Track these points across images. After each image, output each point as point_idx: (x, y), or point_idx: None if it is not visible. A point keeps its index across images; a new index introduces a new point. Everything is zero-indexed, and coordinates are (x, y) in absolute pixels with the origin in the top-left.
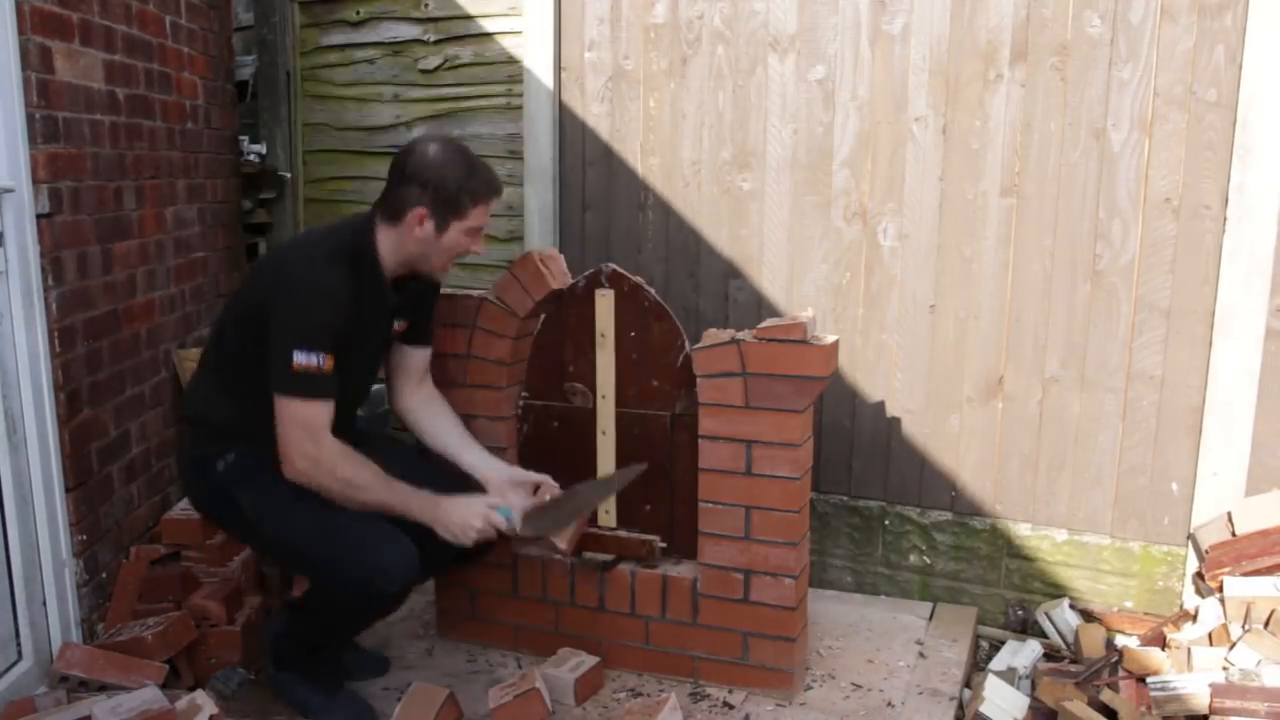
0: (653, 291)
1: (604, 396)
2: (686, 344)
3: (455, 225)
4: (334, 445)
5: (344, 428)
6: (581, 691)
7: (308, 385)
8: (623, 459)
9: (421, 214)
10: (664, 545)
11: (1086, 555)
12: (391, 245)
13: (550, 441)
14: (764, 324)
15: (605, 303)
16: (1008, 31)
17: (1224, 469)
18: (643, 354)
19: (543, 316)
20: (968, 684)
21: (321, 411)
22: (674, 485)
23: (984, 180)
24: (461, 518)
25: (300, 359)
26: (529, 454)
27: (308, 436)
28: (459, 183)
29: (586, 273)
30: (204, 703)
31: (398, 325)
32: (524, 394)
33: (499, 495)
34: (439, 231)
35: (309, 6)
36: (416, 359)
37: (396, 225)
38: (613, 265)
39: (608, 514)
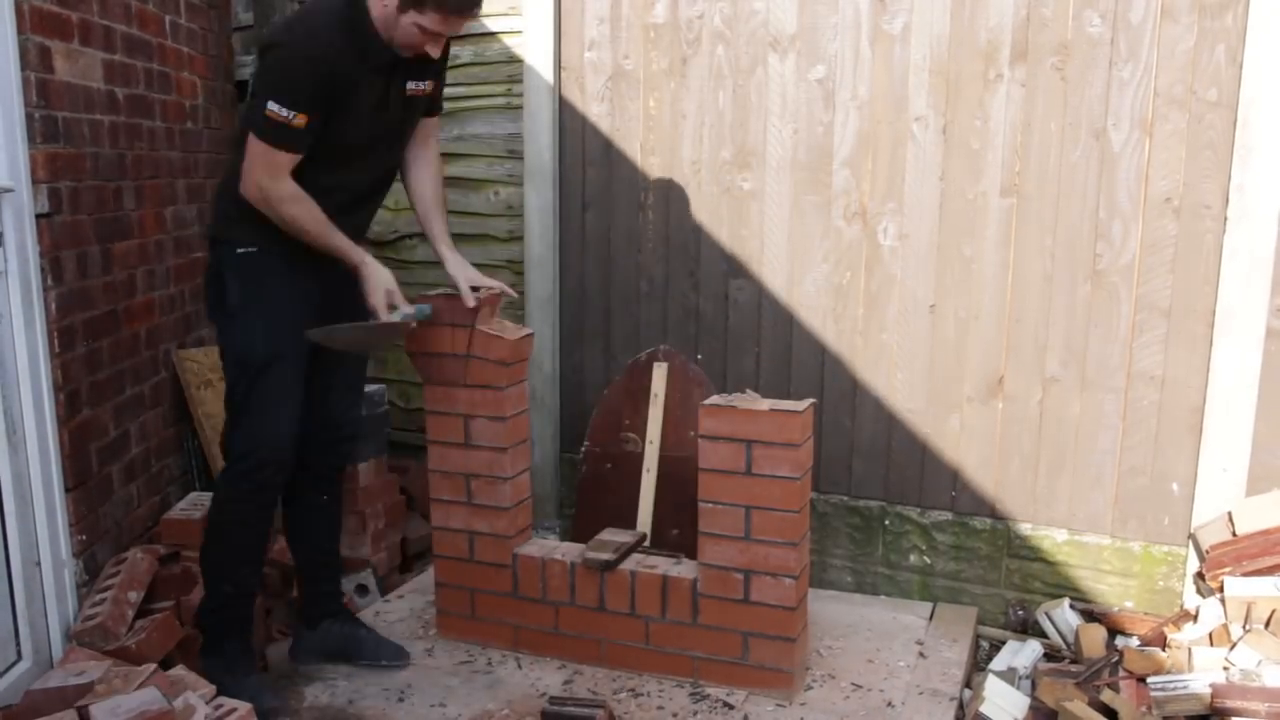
0: (696, 366)
1: (651, 442)
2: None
3: (411, 14)
4: (288, 187)
5: (354, 213)
6: None
7: (276, 133)
8: (661, 492)
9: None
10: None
11: (1087, 555)
12: (376, 10)
13: (604, 477)
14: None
15: (660, 372)
16: (1008, 31)
17: (1224, 469)
18: (684, 412)
19: (612, 382)
20: (968, 684)
21: (284, 158)
22: (699, 514)
23: (984, 180)
24: (382, 278)
25: (273, 108)
26: (586, 487)
27: (267, 172)
28: None
29: (648, 350)
30: (197, 703)
31: (421, 86)
32: (586, 442)
33: (455, 271)
34: (399, 10)
35: None
36: (425, 122)
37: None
38: (667, 345)
39: (644, 537)
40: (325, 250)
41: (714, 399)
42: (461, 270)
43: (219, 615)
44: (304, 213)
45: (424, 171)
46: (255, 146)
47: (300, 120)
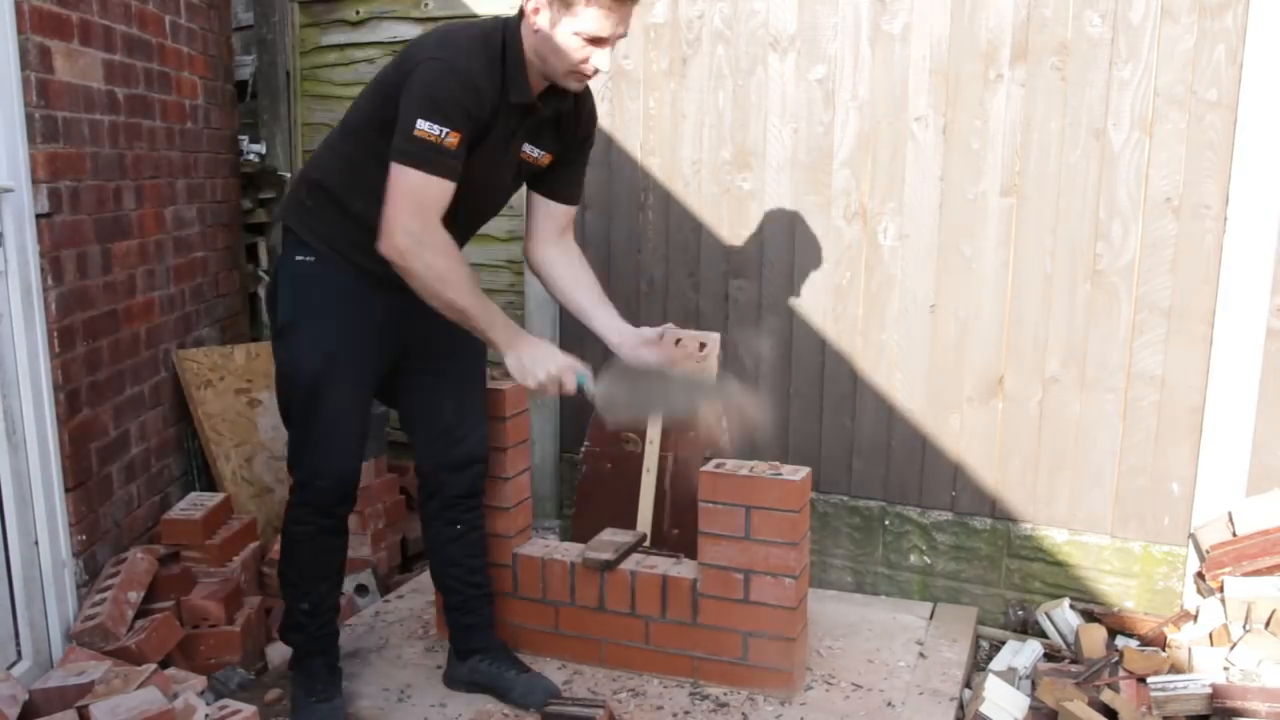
0: None
1: (651, 442)
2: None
3: (566, 22)
4: (440, 233)
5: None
6: None
7: (428, 155)
8: (661, 492)
9: (537, 5)
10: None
11: (1087, 555)
12: (528, 40)
13: (604, 477)
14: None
15: None
16: (1008, 31)
17: (1224, 469)
18: None
19: None
20: (968, 684)
21: (437, 189)
22: (699, 514)
23: (984, 180)
24: (533, 359)
25: (424, 125)
26: (586, 487)
27: (416, 211)
28: None
29: None
30: (197, 703)
31: (536, 153)
32: (586, 442)
33: (632, 355)
34: (551, 25)
35: (309, 6)
36: (556, 211)
37: (524, 17)
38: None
39: (644, 537)
40: (465, 320)
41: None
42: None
43: (299, 633)
44: (454, 267)
45: (574, 261)
46: (403, 179)
47: (454, 141)
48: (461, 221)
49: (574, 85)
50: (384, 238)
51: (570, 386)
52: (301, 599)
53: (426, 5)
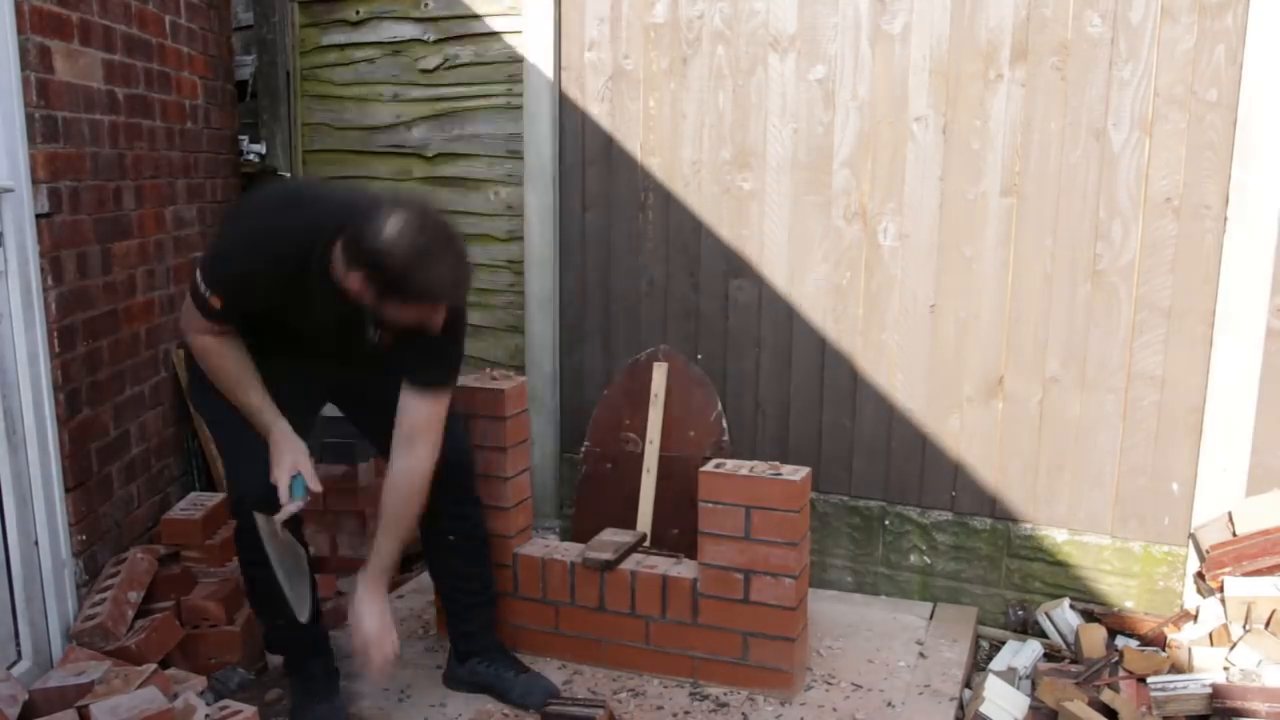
0: (696, 366)
1: (651, 442)
2: (719, 404)
3: (392, 307)
4: (199, 344)
5: (318, 364)
6: None
7: (195, 297)
8: (661, 492)
9: (360, 279)
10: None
11: (1087, 555)
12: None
13: (604, 477)
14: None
15: (660, 371)
16: (1008, 31)
17: (1224, 469)
18: (684, 412)
19: (612, 382)
20: (968, 684)
21: (200, 322)
22: (699, 514)
23: (984, 180)
24: (280, 453)
25: (198, 276)
26: (586, 487)
27: (186, 322)
28: (399, 279)
29: (648, 350)
30: (197, 703)
31: (376, 334)
32: (586, 442)
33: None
34: (378, 300)
35: (309, 6)
36: (407, 400)
37: (343, 266)
38: (667, 345)
39: (644, 537)
40: (240, 409)
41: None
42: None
43: (285, 644)
44: (217, 368)
45: (397, 478)
46: (187, 294)
47: (217, 302)
48: (304, 343)
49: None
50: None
51: (283, 493)
52: (276, 616)
53: (427, 5)
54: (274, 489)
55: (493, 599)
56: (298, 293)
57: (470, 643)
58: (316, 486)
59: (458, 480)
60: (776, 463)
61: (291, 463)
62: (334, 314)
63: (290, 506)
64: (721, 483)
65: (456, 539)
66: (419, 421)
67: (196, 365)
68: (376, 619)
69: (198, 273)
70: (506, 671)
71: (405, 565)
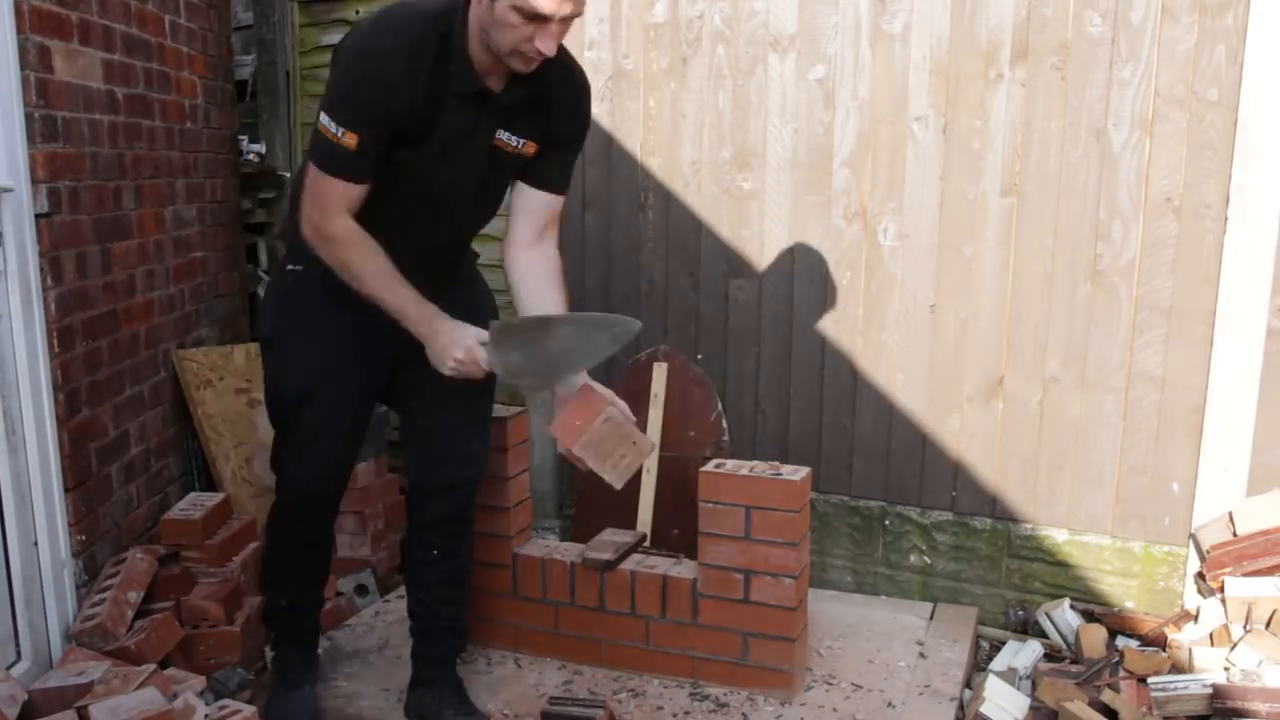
0: (696, 366)
1: (651, 443)
2: (719, 404)
3: (508, 2)
4: (342, 228)
5: (423, 265)
6: None
7: (323, 153)
8: (661, 493)
9: None
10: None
11: (1087, 555)
12: (473, 20)
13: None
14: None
15: (660, 371)
16: (1008, 31)
17: (1225, 469)
18: (684, 412)
19: (612, 382)
20: (968, 684)
21: (332, 188)
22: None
23: (984, 180)
24: (443, 347)
25: (325, 120)
26: (586, 487)
27: (315, 207)
28: None
29: (648, 350)
30: (196, 703)
31: (515, 141)
32: None
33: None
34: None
35: (308, 6)
36: (533, 201)
37: None
38: (667, 345)
39: (644, 537)
40: (390, 311)
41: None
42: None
43: (278, 623)
44: (359, 260)
45: (541, 288)
46: (308, 174)
47: (351, 140)
48: (441, 216)
49: (519, 66)
50: (302, 221)
51: (482, 365)
52: (281, 595)
53: None
54: (338, 478)
55: (461, 632)
56: (436, 108)
57: (426, 669)
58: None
59: (461, 501)
60: (776, 463)
61: (475, 335)
62: (454, 132)
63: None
64: (722, 483)
65: (440, 554)
66: (549, 218)
67: (287, 307)
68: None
69: (323, 117)
70: (446, 708)
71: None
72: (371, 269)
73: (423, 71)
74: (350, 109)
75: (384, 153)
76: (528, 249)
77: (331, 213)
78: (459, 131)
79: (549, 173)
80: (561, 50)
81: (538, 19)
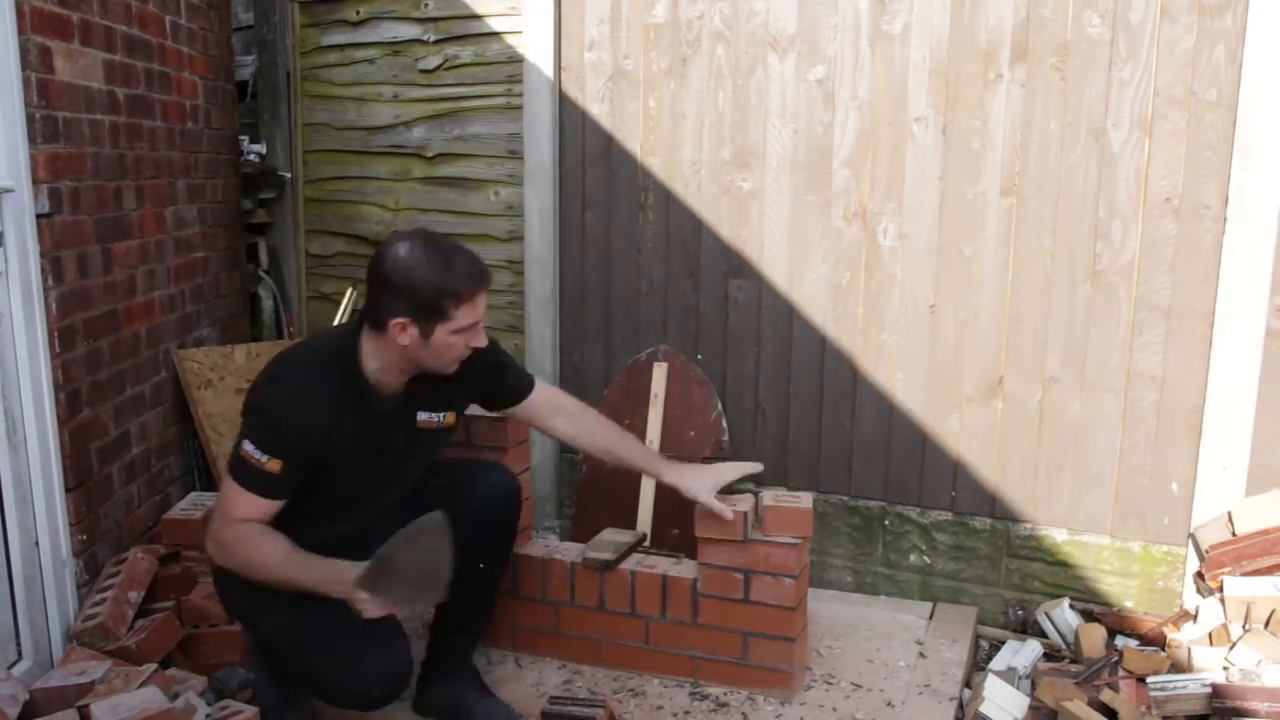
0: (696, 366)
1: (651, 442)
2: (719, 404)
3: (440, 329)
4: (238, 529)
5: (377, 524)
6: None
7: (245, 473)
8: (661, 492)
9: (403, 323)
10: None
11: (1087, 555)
12: (376, 351)
13: (604, 477)
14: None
15: (660, 371)
16: (1008, 31)
17: (1224, 468)
18: (684, 411)
19: (612, 382)
20: (968, 684)
21: (248, 501)
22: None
23: (984, 180)
24: (358, 597)
25: (249, 448)
26: (586, 487)
27: (221, 519)
28: (435, 285)
29: (648, 350)
30: (197, 703)
31: (437, 418)
32: None
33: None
34: (424, 337)
35: (309, 6)
36: (532, 407)
37: (381, 334)
38: (667, 345)
39: (644, 537)
40: (303, 584)
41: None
42: (701, 482)
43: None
44: (254, 552)
45: (589, 427)
46: (221, 490)
47: (274, 467)
48: (374, 506)
49: (453, 370)
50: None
51: (377, 608)
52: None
53: (426, 5)
54: (401, 662)
55: (480, 632)
56: (353, 429)
57: (444, 661)
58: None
59: (515, 519)
60: (780, 500)
61: (353, 592)
62: (385, 439)
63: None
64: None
65: (486, 568)
66: (553, 400)
67: (232, 589)
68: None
69: (247, 445)
70: (468, 694)
71: None
72: (270, 553)
73: (333, 407)
74: (272, 443)
75: (306, 476)
76: (560, 420)
77: (235, 520)
78: (377, 436)
79: (508, 389)
80: None
81: (472, 328)
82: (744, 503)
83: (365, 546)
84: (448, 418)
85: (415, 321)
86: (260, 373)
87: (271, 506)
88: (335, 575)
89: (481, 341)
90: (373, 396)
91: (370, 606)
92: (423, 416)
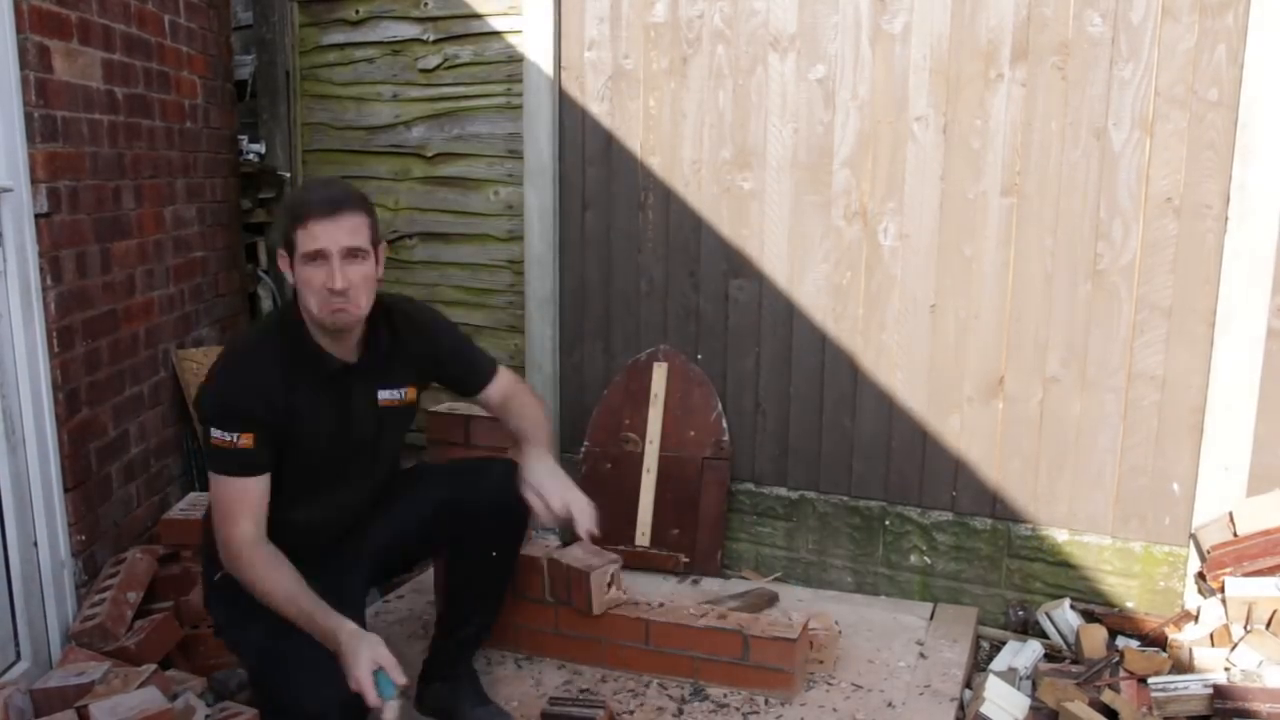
0: (696, 366)
1: (651, 442)
2: (719, 404)
3: (297, 258)
4: (246, 543)
5: (347, 522)
6: None
7: (219, 460)
8: (661, 493)
9: (281, 254)
10: (687, 560)
11: (1087, 555)
12: (300, 307)
13: (604, 477)
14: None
15: (660, 371)
16: (1008, 31)
17: (1225, 468)
18: (684, 411)
19: (612, 382)
20: (968, 684)
21: (235, 489)
22: (699, 514)
23: (984, 180)
24: (347, 664)
25: (215, 433)
26: (586, 488)
27: (223, 519)
28: (287, 209)
29: (648, 350)
30: (197, 703)
31: (396, 395)
32: (586, 442)
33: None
34: (293, 270)
35: (308, 6)
36: (486, 405)
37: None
38: (667, 345)
39: (643, 535)
40: (300, 624)
41: None
42: (536, 470)
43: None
44: (270, 585)
45: (513, 405)
46: (210, 490)
47: (247, 441)
48: (348, 494)
49: (339, 321)
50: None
51: (371, 696)
52: None
53: (426, 5)
54: (354, 696)
55: (486, 629)
56: (311, 397)
57: (445, 664)
58: (401, 678)
59: (524, 515)
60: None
61: (370, 658)
62: (332, 417)
63: (388, 713)
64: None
65: (499, 555)
66: (505, 389)
67: (227, 600)
68: (560, 477)
69: (213, 432)
70: (465, 701)
71: (405, 566)
72: (280, 582)
73: (283, 371)
74: (235, 419)
75: (277, 456)
76: (500, 414)
77: (235, 518)
78: (335, 409)
79: (464, 378)
80: (396, 307)
81: (320, 255)
82: (610, 568)
83: (347, 533)
84: (408, 393)
85: (285, 254)
86: (207, 376)
87: (259, 486)
88: (333, 638)
89: (335, 282)
90: (325, 358)
91: (357, 677)
92: (384, 394)
